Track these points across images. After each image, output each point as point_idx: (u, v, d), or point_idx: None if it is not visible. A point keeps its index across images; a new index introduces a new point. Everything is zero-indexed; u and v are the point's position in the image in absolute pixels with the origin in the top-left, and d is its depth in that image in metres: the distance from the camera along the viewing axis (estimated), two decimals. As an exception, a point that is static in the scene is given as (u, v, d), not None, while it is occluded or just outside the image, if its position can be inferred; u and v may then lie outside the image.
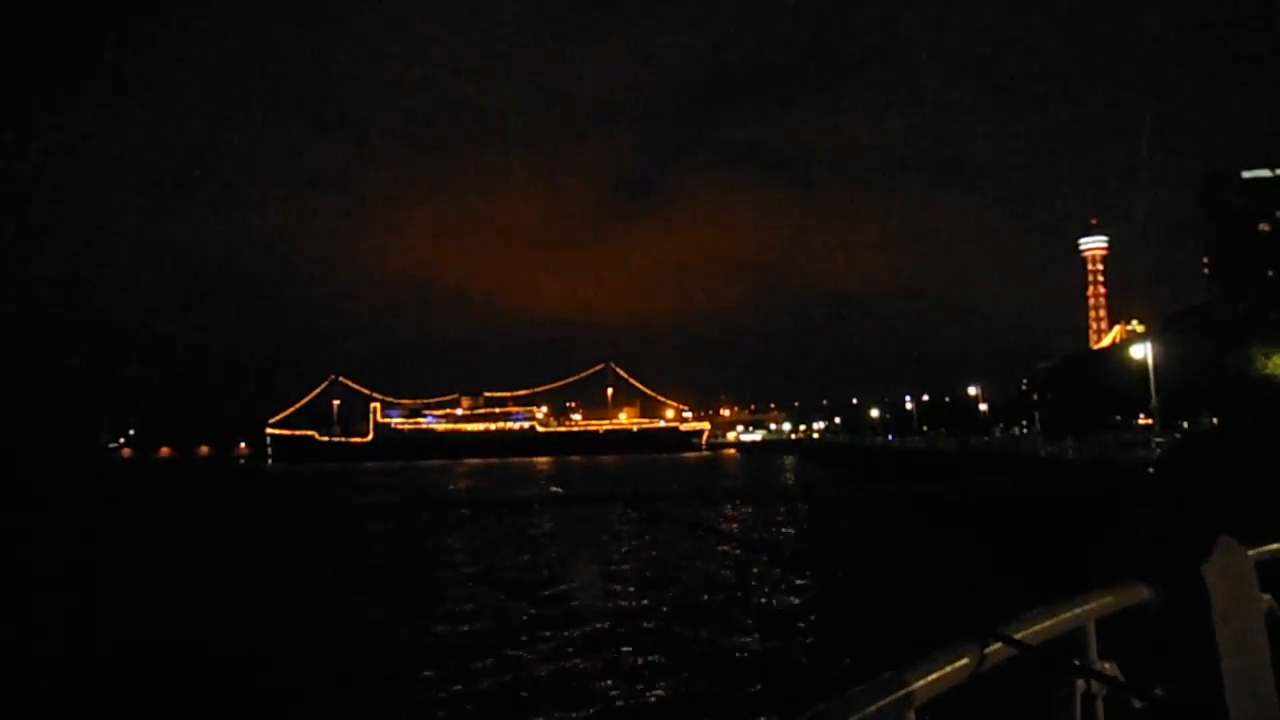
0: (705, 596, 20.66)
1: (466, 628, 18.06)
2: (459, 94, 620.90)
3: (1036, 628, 1.73)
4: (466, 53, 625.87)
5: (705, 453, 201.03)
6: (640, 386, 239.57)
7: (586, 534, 35.14)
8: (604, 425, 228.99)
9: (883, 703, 1.38)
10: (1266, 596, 2.17)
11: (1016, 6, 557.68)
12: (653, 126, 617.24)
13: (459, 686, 13.72)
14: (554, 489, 69.45)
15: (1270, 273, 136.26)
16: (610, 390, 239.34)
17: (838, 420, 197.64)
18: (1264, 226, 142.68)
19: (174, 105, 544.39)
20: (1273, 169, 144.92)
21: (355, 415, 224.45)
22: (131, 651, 16.28)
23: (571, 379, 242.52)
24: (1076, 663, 1.82)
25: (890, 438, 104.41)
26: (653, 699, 12.92)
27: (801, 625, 17.36)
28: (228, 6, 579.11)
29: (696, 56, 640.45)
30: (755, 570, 24.22)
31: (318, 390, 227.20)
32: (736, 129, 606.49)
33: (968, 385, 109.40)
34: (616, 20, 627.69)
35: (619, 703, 12.75)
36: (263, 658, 15.86)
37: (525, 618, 18.81)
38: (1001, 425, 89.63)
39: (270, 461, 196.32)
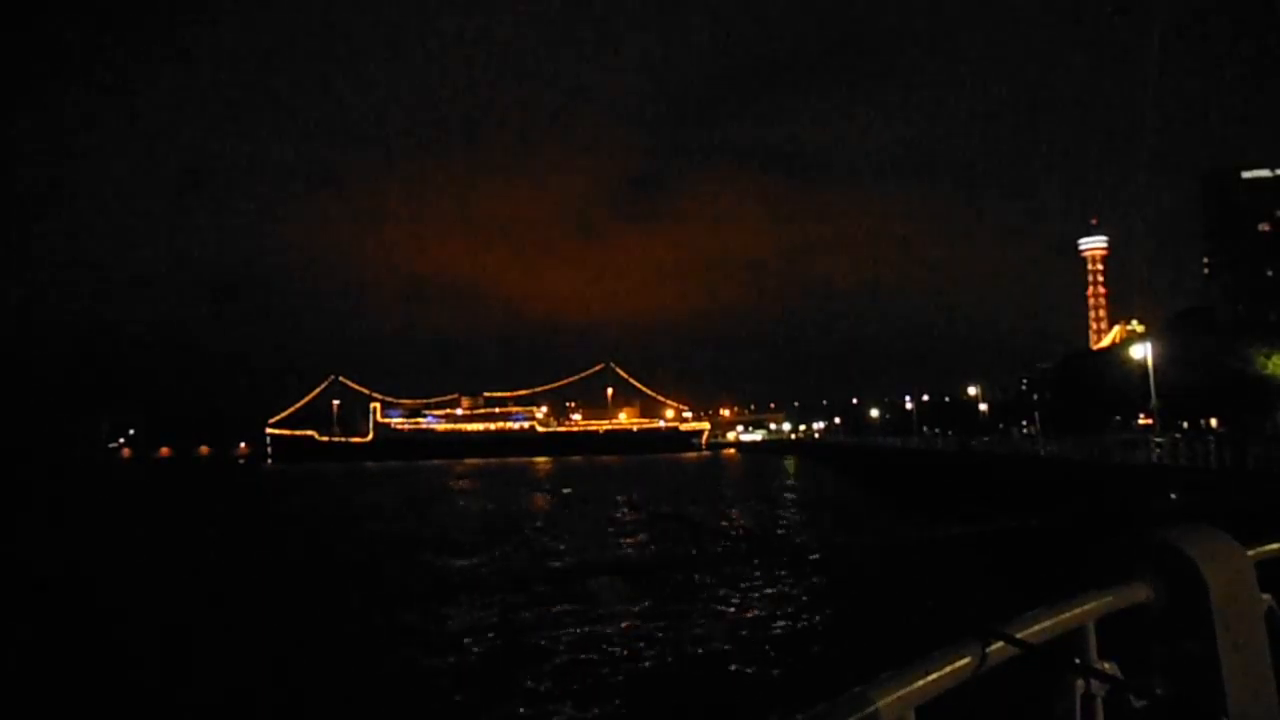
0: (704, 595, 20.70)
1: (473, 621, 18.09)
2: (462, 93, 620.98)
3: (1036, 628, 1.72)
4: (470, 52, 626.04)
5: (705, 453, 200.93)
6: (640, 386, 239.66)
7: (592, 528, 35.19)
8: (604, 425, 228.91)
9: (883, 703, 1.38)
10: (1266, 596, 2.17)
11: (1018, 8, 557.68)
12: (659, 127, 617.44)
13: (460, 681, 13.76)
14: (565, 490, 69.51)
15: (1270, 273, 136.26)
16: (610, 390, 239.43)
17: (838, 420, 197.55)
18: (1264, 226, 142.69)
19: (175, 105, 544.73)
20: (1273, 169, 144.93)
21: (355, 415, 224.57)
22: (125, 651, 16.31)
23: (571, 379, 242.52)
24: (1077, 662, 1.82)
25: (889, 438, 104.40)
26: (652, 698, 12.94)
27: (801, 624, 17.38)
28: (233, 6, 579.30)
29: (704, 57, 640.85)
30: (752, 567, 24.24)
31: (318, 390, 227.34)
32: (742, 129, 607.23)
33: (968, 385, 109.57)
34: (623, 20, 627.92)
35: (619, 702, 12.76)
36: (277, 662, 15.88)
37: (528, 613, 18.85)
38: (1019, 426, 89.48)
39: (270, 461, 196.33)
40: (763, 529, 37.73)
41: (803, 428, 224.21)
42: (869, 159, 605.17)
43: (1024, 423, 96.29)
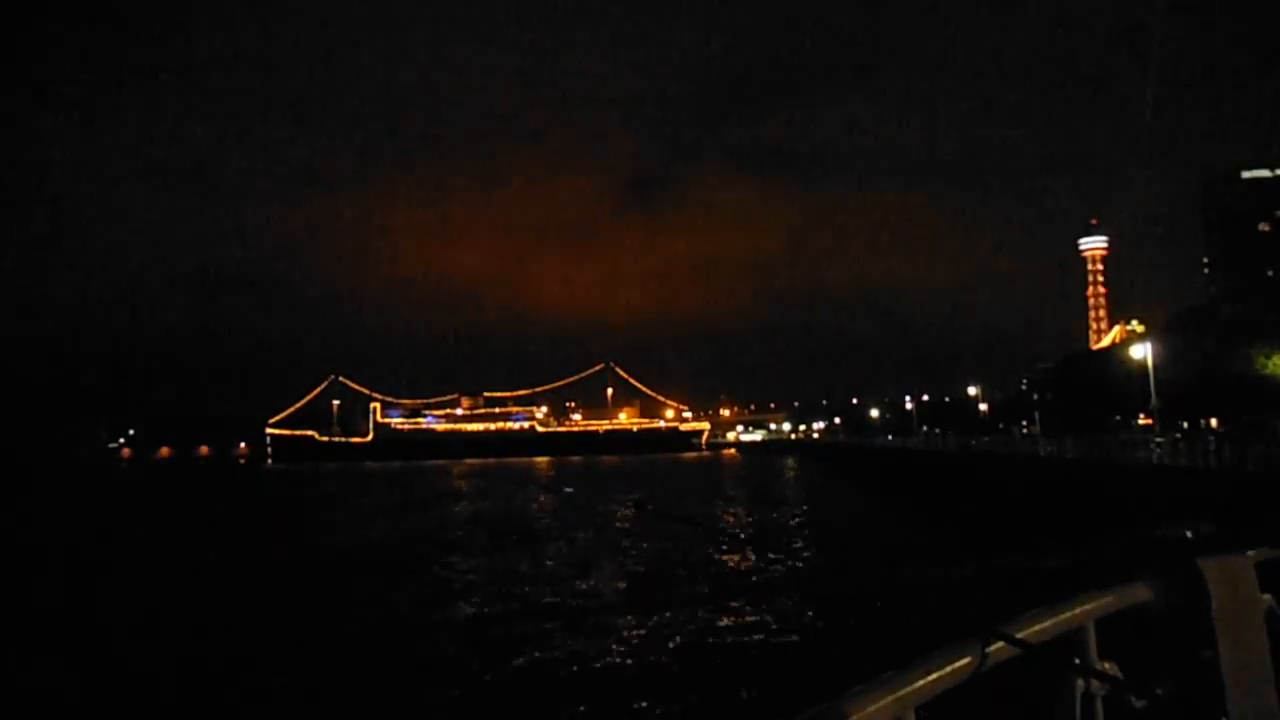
0: (705, 593, 20.71)
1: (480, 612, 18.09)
2: (463, 92, 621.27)
3: (1036, 628, 1.72)
4: (471, 52, 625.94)
5: (705, 453, 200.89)
6: (640, 386, 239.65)
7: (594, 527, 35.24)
8: (604, 425, 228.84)
9: (883, 703, 1.38)
10: (1266, 596, 2.18)
11: (1020, 9, 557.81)
12: (660, 126, 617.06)
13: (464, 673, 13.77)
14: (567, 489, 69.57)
15: (1270, 273, 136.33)
16: (610, 390, 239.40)
17: (838, 420, 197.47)
18: (1264, 226, 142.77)
19: (174, 104, 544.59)
20: (1273, 169, 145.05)
21: (355, 415, 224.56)
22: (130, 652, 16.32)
23: (571, 379, 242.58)
24: (1077, 662, 1.83)
25: (890, 438, 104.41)
26: (653, 697, 12.94)
27: (802, 625, 17.39)
28: (233, 5, 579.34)
29: (705, 56, 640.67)
30: (754, 566, 24.27)
31: (318, 390, 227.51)
32: (742, 129, 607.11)
33: (968, 385, 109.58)
34: (625, 19, 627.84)
35: (619, 701, 12.77)
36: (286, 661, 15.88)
37: (531, 606, 18.87)
38: (1020, 426, 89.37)
39: (270, 461, 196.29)
40: (765, 532, 37.76)
41: (803, 428, 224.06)
42: (868, 159, 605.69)
43: (1024, 423, 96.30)
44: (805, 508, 48.90)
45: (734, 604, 19.69)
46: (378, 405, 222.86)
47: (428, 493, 70.26)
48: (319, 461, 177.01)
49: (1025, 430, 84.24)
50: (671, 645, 15.99)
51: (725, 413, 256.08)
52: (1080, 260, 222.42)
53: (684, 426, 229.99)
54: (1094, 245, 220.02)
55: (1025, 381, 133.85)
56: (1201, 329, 66.19)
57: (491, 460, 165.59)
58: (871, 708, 1.36)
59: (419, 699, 13.45)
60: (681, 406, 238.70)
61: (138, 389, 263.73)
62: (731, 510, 48.68)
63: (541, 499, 60.34)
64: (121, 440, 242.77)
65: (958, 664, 1.52)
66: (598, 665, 14.79)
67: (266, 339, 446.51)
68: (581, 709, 12.55)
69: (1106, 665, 1.86)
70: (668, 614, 18.67)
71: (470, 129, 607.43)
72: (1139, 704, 1.82)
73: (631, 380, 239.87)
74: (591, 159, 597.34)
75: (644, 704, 12.69)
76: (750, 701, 12.67)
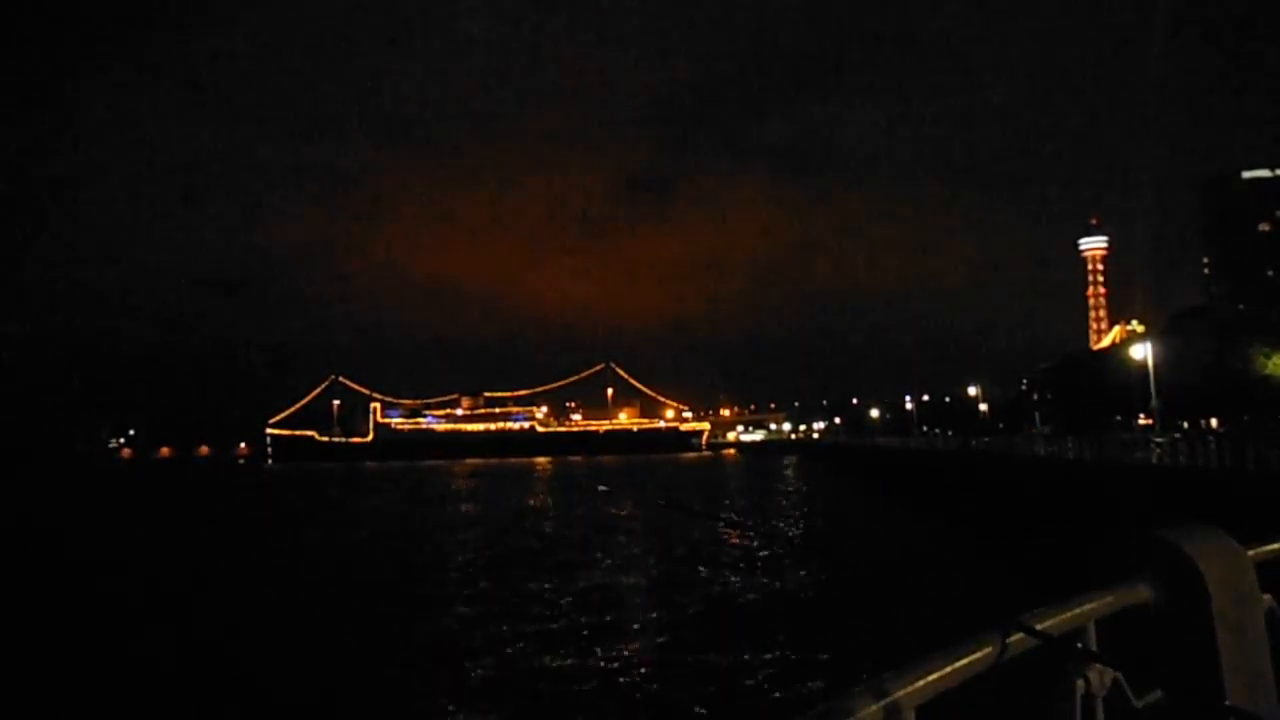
0: (715, 587, 20.72)
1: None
2: (464, 93, 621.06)
3: (1037, 628, 1.71)
4: (471, 53, 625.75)
5: (705, 453, 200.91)
6: (640, 386, 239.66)
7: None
8: (604, 425, 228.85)
9: (885, 701, 1.37)
10: (1266, 596, 2.17)
11: (1020, 10, 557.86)
12: (659, 127, 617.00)
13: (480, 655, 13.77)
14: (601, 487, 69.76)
15: (1270, 273, 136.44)
16: (610, 390, 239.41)
17: (838, 420, 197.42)
18: (1264, 226, 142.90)
19: (176, 106, 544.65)
20: (1273, 169, 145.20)
21: (355, 415, 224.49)
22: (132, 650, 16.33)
23: (571, 379, 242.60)
24: (1080, 647, 1.82)
25: (890, 438, 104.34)
26: (657, 692, 12.93)
27: (804, 620, 17.40)
28: (237, 7, 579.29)
29: (705, 58, 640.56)
30: (762, 561, 24.29)
31: (318, 390, 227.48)
32: (743, 129, 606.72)
33: (968, 385, 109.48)
34: (628, 20, 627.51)
35: (621, 699, 12.76)
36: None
37: (539, 591, 18.86)
38: (1025, 426, 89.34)
39: (270, 461, 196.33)
40: (767, 525, 37.76)
41: (803, 428, 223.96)
42: (870, 159, 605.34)
43: (1024, 424, 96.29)
44: (804, 506, 48.92)
45: (746, 598, 19.70)
46: (378, 405, 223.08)
47: (428, 493, 70.26)
48: (319, 462, 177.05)
49: (1032, 429, 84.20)
50: (674, 639, 15.98)
51: (725, 413, 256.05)
52: (1080, 260, 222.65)
53: (684, 426, 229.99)
54: (1094, 245, 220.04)
55: (1025, 381, 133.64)
56: (1202, 329, 66.17)
57: (492, 460, 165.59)
58: (874, 706, 1.35)
59: (419, 698, 13.45)
60: (681, 406, 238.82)
61: (139, 389, 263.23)
62: (732, 506, 48.69)
63: (540, 500, 60.40)
64: (122, 440, 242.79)
65: (959, 664, 1.50)
66: (600, 659, 14.77)
67: (267, 339, 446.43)
68: (582, 703, 12.53)
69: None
70: (672, 606, 18.67)
71: (470, 129, 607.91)
72: (1139, 704, 1.81)
73: (631, 380, 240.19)
74: (592, 159, 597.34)
75: (644, 700, 12.67)
76: (762, 697, 12.66)
